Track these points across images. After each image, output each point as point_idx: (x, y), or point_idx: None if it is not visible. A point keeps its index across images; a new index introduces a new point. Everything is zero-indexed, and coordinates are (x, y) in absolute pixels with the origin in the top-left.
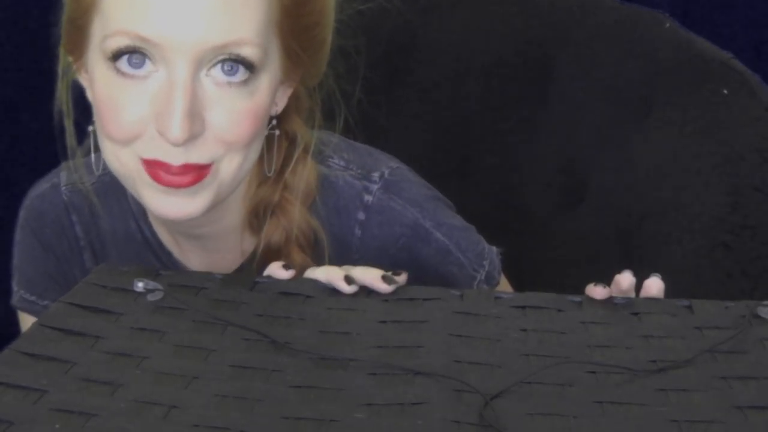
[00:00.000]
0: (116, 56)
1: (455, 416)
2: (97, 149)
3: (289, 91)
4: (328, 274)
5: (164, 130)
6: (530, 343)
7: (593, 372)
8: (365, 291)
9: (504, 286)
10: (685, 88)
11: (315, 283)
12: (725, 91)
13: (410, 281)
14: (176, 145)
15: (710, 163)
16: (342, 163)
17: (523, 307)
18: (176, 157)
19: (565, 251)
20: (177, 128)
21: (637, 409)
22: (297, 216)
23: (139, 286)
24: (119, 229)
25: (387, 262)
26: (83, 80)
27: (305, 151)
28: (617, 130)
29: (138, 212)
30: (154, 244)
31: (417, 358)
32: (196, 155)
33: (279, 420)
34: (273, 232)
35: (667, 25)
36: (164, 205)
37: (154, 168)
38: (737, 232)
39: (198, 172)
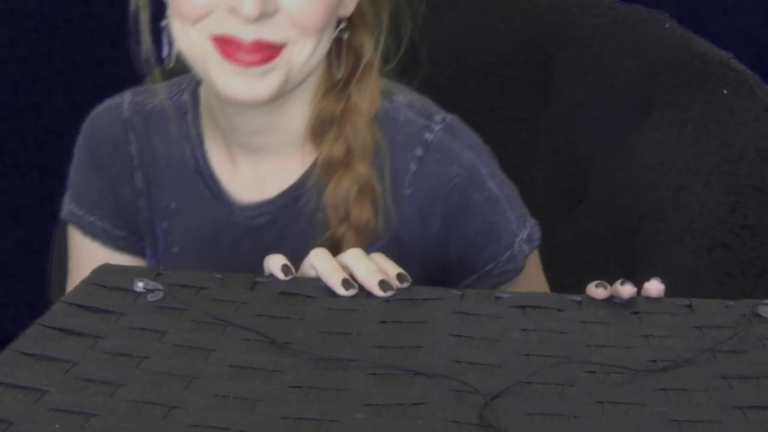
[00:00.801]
0: None
1: (455, 416)
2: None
3: None
4: (328, 277)
5: (237, 5)
6: (530, 343)
7: (593, 372)
8: (365, 291)
9: (535, 258)
10: (685, 88)
11: (315, 283)
12: (725, 91)
13: (457, 226)
14: (249, 20)
15: (710, 163)
16: (405, 101)
17: (523, 307)
18: (248, 33)
19: (565, 251)
20: (250, 4)
21: (637, 408)
22: (360, 129)
23: (139, 286)
24: (174, 155)
25: (438, 201)
26: None
27: (370, 66)
28: (617, 130)
29: (195, 139)
30: (205, 173)
31: (417, 358)
32: (270, 33)
33: (279, 420)
34: (334, 144)
35: (667, 25)
36: (234, 86)
37: (225, 45)
38: (737, 231)
39: (270, 51)
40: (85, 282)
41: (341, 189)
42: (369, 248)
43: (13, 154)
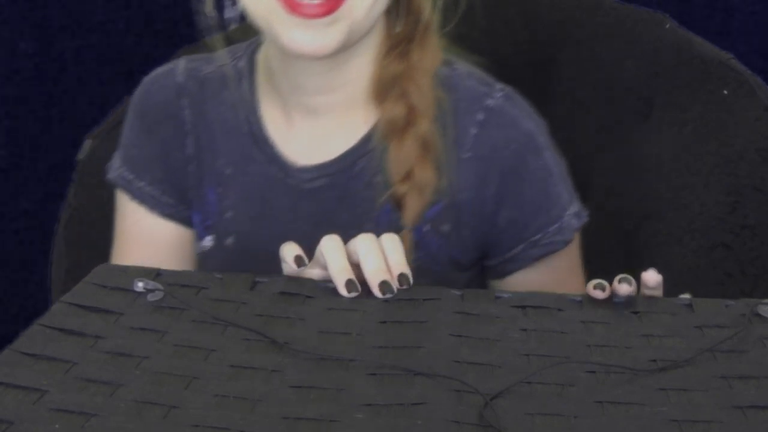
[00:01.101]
0: None
1: (455, 416)
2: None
3: None
4: (335, 274)
5: None
6: (530, 343)
7: (593, 372)
8: (365, 291)
9: (577, 240)
10: (685, 88)
11: (315, 283)
12: (725, 92)
13: (512, 192)
14: None
15: (710, 163)
16: (465, 69)
17: (523, 307)
18: None
19: None
20: None
21: (638, 408)
22: (422, 87)
23: (139, 286)
24: (228, 120)
25: (496, 166)
26: None
27: (429, 25)
28: (617, 131)
29: (250, 105)
30: (259, 137)
31: (417, 358)
32: None
33: (279, 420)
34: (397, 103)
35: (667, 25)
36: (299, 39)
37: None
38: (737, 232)
39: (332, 2)
40: (85, 282)
41: (404, 147)
42: (428, 211)
43: (13, 153)
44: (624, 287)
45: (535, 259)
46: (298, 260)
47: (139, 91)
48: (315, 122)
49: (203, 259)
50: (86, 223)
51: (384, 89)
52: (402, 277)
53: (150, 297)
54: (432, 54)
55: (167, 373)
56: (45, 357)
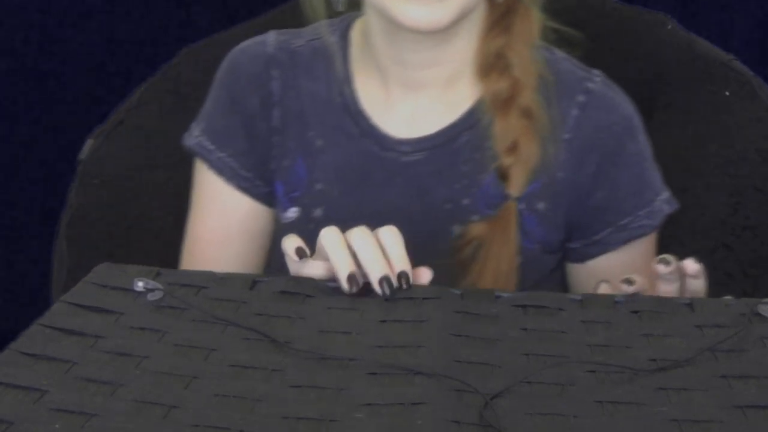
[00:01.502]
0: None
1: (455, 416)
2: None
3: None
4: (337, 267)
5: None
6: (530, 343)
7: (593, 371)
8: (365, 291)
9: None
10: (687, 89)
11: (315, 282)
12: (727, 93)
13: (608, 173)
14: None
15: (712, 164)
16: (563, 54)
17: (523, 307)
18: None
19: None
20: None
21: (637, 408)
22: (524, 58)
23: (139, 285)
24: (319, 93)
25: (595, 147)
26: None
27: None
28: None
29: (343, 78)
30: (353, 110)
31: (417, 358)
32: None
33: (279, 420)
34: (501, 77)
35: (669, 26)
36: (414, 14)
37: None
38: (738, 233)
39: None
40: (85, 282)
41: (510, 119)
42: (529, 187)
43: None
44: (626, 287)
45: (620, 243)
46: (300, 252)
47: (227, 62)
48: (415, 97)
49: (288, 230)
50: (87, 223)
51: (488, 63)
52: (402, 275)
53: (150, 296)
54: (532, 25)
55: (167, 372)
56: (45, 357)
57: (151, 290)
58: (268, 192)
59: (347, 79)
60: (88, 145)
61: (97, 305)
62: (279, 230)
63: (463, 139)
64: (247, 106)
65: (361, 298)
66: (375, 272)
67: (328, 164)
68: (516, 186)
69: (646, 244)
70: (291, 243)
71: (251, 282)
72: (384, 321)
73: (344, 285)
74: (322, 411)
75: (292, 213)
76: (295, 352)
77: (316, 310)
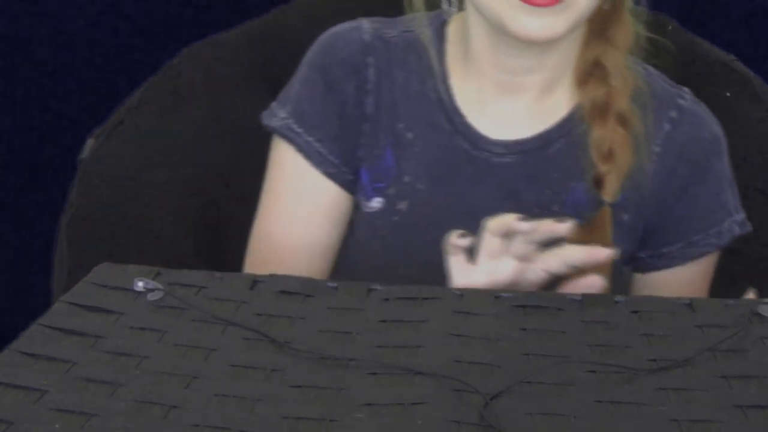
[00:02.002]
0: None
1: (455, 416)
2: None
3: None
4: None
5: None
6: (530, 343)
7: (593, 372)
8: (365, 290)
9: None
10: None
11: (315, 282)
12: (728, 94)
13: (691, 189)
14: None
15: None
16: (655, 71)
17: (523, 307)
18: None
19: None
20: None
21: (637, 408)
22: (621, 66)
23: (139, 285)
24: (413, 85)
25: (683, 162)
26: None
27: (622, 3)
28: None
29: (438, 73)
30: (448, 106)
31: (417, 358)
32: None
33: (279, 420)
34: (599, 84)
35: (670, 27)
36: (529, 25)
37: None
38: None
39: None
40: (85, 282)
41: (607, 127)
42: (620, 195)
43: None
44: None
45: (687, 259)
46: (464, 235)
47: (321, 46)
48: (511, 100)
49: (370, 220)
50: (88, 222)
51: (586, 71)
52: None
53: (150, 296)
54: (627, 31)
55: (167, 372)
56: (45, 357)
57: (151, 290)
58: (353, 180)
59: (443, 75)
60: (89, 144)
61: (97, 305)
62: (359, 219)
63: (556, 145)
64: (342, 91)
65: (362, 298)
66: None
67: (416, 158)
68: (610, 193)
69: (708, 262)
70: (460, 240)
71: (251, 282)
72: (384, 321)
73: (558, 227)
74: (322, 411)
75: (376, 203)
76: (295, 352)
77: (316, 310)
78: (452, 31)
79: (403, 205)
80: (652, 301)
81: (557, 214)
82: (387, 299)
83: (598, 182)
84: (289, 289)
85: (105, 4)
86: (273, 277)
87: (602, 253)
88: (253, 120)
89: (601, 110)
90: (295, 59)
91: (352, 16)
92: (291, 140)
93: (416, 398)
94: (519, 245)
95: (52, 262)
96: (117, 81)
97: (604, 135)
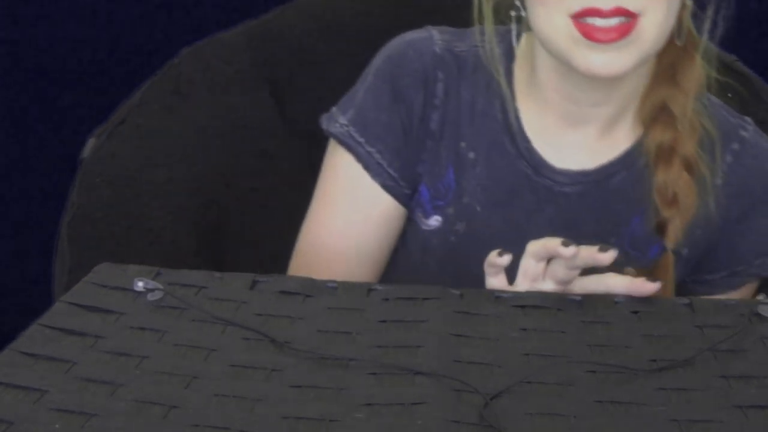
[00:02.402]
0: None
1: (455, 416)
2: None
3: None
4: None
5: None
6: (530, 343)
7: (593, 372)
8: (365, 290)
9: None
10: None
11: (315, 282)
12: (729, 95)
13: (748, 220)
14: None
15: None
16: (717, 100)
17: (523, 307)
18: (607, 2)
19: None
20: None
21: (637, 408)
22: (689, 111)
23: (139, 285)
24: (479, 103)
25: (744, 194)
26: None
27: (695, 46)
28: None
29: (507, 95)
30: (514, 129)
31: (417, 358)
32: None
33: (279, 420)
34: (665, 127)
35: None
36: (594, 61)
37: (585, 23)
38: None
39: (626, 26)
40: (85, 282)
41: (672, 172)
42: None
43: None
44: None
45: (728, 288)
46: (502, 253)
47: (392, 53)
48: (575, 131)
49: (427, 237)
50: (89, 222)
51: (653, 114)
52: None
53: (150, 296)
54: (697, 75)
55: (167, 372)
56: (45, 357)
57: (151, 290)
58: (409, 194)
59: (511, 97)
60: (90, 144)
61: (97, 305)
62: (414, 234)
63: (618, 178)
64: (409, 104)
65: (362, 298)
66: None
67: (477, 179)
68: (673, 239)
69: (747, 290)
70: (502, 260)
71: (251, 282)
72: (384, 321)
73: (601, 256)
74: (322, 411)
75: (435, 221)
76: (295, 352)
77: (316, 310)
78: (521, 51)
79: (460, 226)
80: (651, 302)
81: (615, 246)
82: (387, 299)
83: (661, 228)
84: (289, 289)
85: (105, 3)
86: (273, 277)
87: (647, 287)
88: (254, 119)
89: (666, 155)
90: (295, 59)
91: (352, 16)
92: (350, 148)
93: (416, 398)
94: (560, 269)
95: (52, 262)
96: (118, 80)
97: (668, 180)
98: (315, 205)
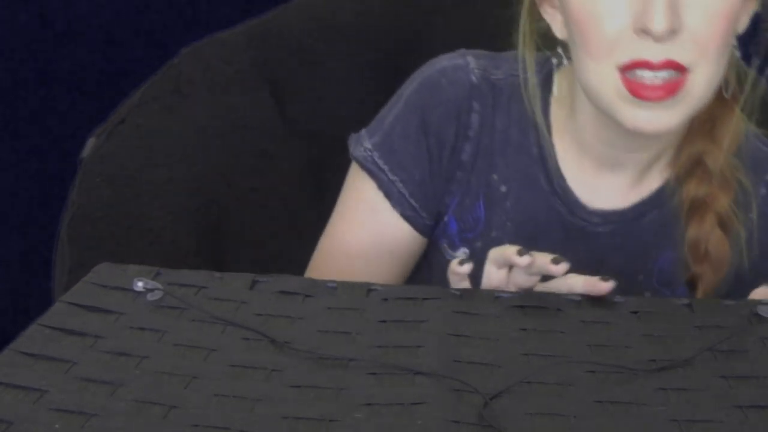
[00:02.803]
0: None
1: (455, 416)
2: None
3: (751, 8)
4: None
5: (647, 24)
6: (530, 343)
7: (593, 372)
8: (365, 290)
9: None
10: None
11: (314, 282)
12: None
13: None
14: (659, 35)
15: None
16: (751, 129)
17: (523, 307)
18: (657, 54)
19: None
20: (660, 19)
21: (637, 408)
22: (725, 166)
23: (139, 285)
24: (513, 135)
25: None
26: (548, 16)
27: (735, 99)
28: None
29: (543, 128)
30: (549, 165)
31: (417, 358)
32: (676, 53)
33: (279, 420)
34: (699, 184)
35: None
36: (640, 118)
37: (633, 80)
38: None
39: (674, 82)
40: (85, 282)
41: (704, 227)
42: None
43: (14, 151)
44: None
45: None
46: (464, 262)
47: (425, 81)
48: (611, 173)
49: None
50: (89, 222)
51: (689, 165)
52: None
53: (150, 296)
54: (736, 130)
55: (167, 372)
56: (45, 357)
57: (151, 290)
58: (431, 225)
59: (546, 132)
60: (90, 144)
61: (96, 305)
62: (440, 263)
63: (649, 216)
64: (439, 136)
65: (361, 298)
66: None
67: (507, 213)
68: (703, 293)
69: None
70: (455, 262)
71: (251, 282)
72: (384, 321)
73: (553, 268)
74: (321, 411)
75: (461, 254)
76: (294, 352)
77: (315, 310)
78: (559, 83)
79: None
80: (651, 302)
81: (643, 283)
82: (387, 299)
83: (693, 282)
84: (289, 289)
85: (106, 3)
86: (273, 277)
87: (601, 286)
88: (254, 119)
89: (699, 210)
90: (296, 59)
91: (352, 16)
92: (373, 174)
93: (416, 398)
94: (520, 276)
95: (52, 262)
96: (118, 80)
97: (700, 236)
98: (333, 222)
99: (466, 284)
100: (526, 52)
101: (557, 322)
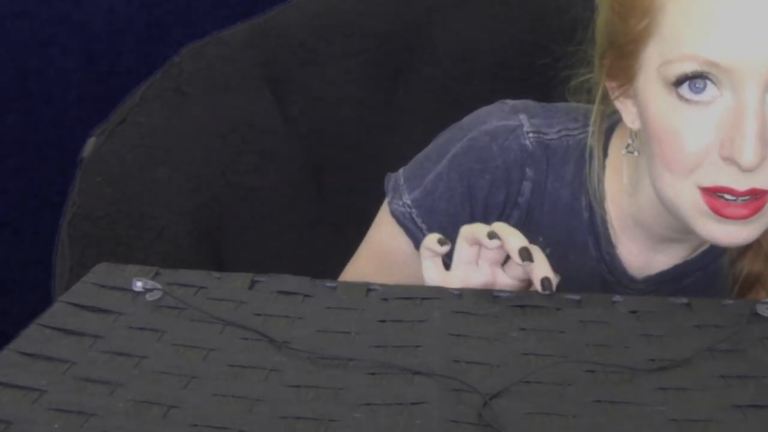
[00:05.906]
0: (680, 82)
1: (455, 416)
2: None
3: None
4: (510, 244)
5: (736, 156)
6: (530, 343)
7: (592, 371)
8: (364, 290)
9: None
10: None
11: (314, 282)
12: None
13: None
14: (748, 170)
15: None
16: None
17: (523, 307)
18: (742, 183)
19: None
20: (750, 153)
21: (636, 408)
22: None
23: (138, 285)
24: (564, 198)
25: None
26: (621, 105)
27: None
28: None
29: (596, 192)
30: (600, 230)
31: (416, 358)
32: (761, 179)
33: (278, 420)
34: (753, 261)
35: None
36: (717, 233)
37: (715, 198)
38: None
39: (757, 203)
40: (84, 282)
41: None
42: None
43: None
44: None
45: None
46: (441, 241)
47: (473, 145)
48: (665, 246)
49: None
50: (89, 221)
51: (742, 248)
52: (545, 281)
53: (149, 296)
54: None
55: (166, 372)
56: (44, 357)
57: (150, 290)
58: None
59: (600, 196)
60: (90, 143)
61: (95, 305)
62: None
63: (692, 278)
64: (488, 202)
65: (361, 298)
66: (541, 272)
67: None
68: None
69: None
70: (431, 238)
71: (250, 281)
72: (383, 321)
73: (518, 257)
74: (320, 411)
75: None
76: (293, 352)
77: (314, 309)
78: (617, 147)
79: None
80: (650, 301)
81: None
82: (386, 299)
83: None
84: (288, 288)
85: (106, 2)
86: (272, 277)
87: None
88: (254, 118)
89: (750, 284)
90: (296, 58)
91: (352, 16)
92: (410, 232)
93: (415, 398)
94: (491, 253)
95: (53, 262)
96: (118, 79)
97: None
98: (361, 257)
99: (436, 261)
100: (594, 141)
101: (556, 322)
